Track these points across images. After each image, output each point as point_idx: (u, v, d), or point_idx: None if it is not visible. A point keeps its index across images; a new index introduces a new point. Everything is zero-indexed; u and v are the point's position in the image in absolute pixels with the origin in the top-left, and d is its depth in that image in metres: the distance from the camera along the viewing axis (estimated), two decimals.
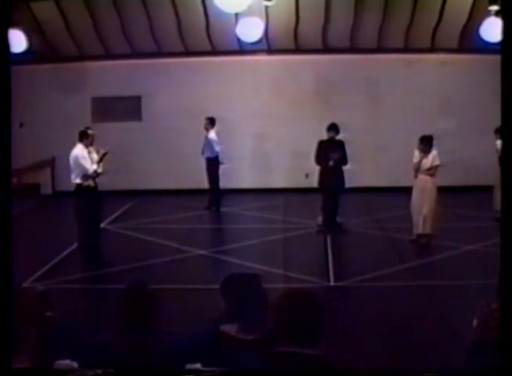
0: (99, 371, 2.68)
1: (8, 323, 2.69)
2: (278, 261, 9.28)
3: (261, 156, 15.26)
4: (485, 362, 3.20)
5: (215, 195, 13.50)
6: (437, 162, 10.08)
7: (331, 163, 11.00)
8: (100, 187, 9.66)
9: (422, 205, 10.08)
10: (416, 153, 10.13)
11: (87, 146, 9.42)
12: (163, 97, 15.01)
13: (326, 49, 14.78)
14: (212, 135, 13.20)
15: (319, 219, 11.42)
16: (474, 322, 3.97)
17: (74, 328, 3.83)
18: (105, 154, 9.44)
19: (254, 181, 15.13)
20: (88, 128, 9.71)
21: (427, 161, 10.07)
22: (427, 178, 10.11)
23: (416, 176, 10.20)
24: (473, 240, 10.19)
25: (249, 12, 12.55)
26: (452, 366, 4.89)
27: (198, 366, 3.04)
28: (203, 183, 13.65)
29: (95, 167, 9.36)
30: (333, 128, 11.19)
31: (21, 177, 13.08)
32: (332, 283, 8.50)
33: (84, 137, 9.39)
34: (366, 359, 5.48)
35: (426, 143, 10.07)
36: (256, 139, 15.21)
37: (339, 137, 11.26)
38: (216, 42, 14.68)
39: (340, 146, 11.20)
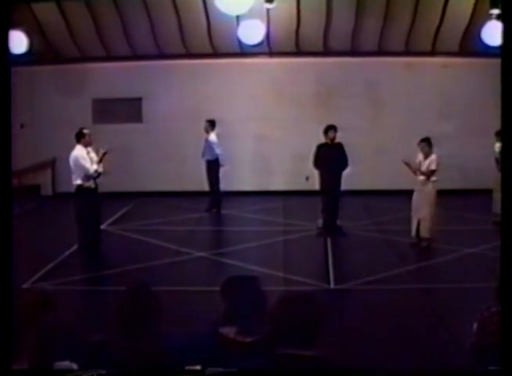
0: (99, 372, 2.69)
1: (8, 324, 2.69)
2: (278, 263, 9.28)
3: (262, 158, 15.25)
4: (485, 365, 3.20)
5: (216, 197, 13.48)
6: (432, 167, 10.04)
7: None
8: (101, 189, 9.68)
9: (419, 207, 10.09)
10: (420, 156, 10.14)
11: (85, 147, 9.47)
12: (164, 99, 15.01)
13: (327, 52, 14.79)
14: (212, 137, 13.19)
15: (319, 222, 11.41)
16: (474, 325, 3.98)
17: (74, 329, 3.83)
18: (105, 154, 9.49)
19: (255, 183, 15.13)
20: (82, 128, 9.74)
21: (425, 165, 10.08)
22: (426, 180, 10.11)
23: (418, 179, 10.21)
24: (473, 243, 10.18)
25: (250, 14, 12.58)
26: (452, 368, 4.88)
27: (197, 368, 3.03)
28: (204, 185, 13.63)
29: (95, 167, 9.40)
30: (331, 129, 11.10)
31: (21, 178, 13.08)
32: (332, 285, 8.50)
33: (81, 137, 9.46)
34: (366, 361, 5.47)
35: (425, 146, 10.08)
36: (256, 141, 15.21)
37: (339, 139, 11.21)
38: (217, 44, 14.68)
39: (339, 148, 11.13)
